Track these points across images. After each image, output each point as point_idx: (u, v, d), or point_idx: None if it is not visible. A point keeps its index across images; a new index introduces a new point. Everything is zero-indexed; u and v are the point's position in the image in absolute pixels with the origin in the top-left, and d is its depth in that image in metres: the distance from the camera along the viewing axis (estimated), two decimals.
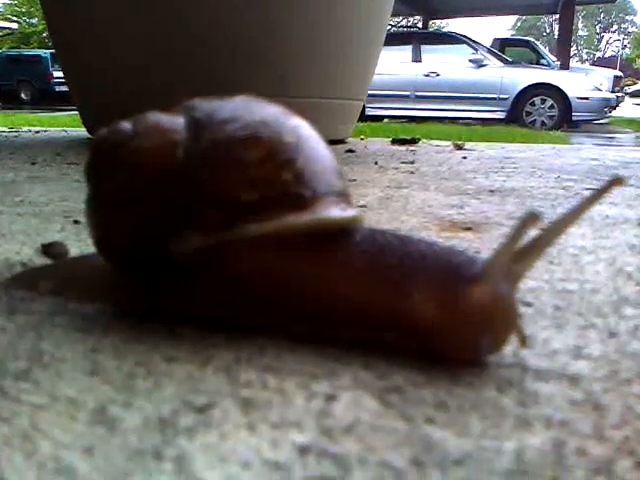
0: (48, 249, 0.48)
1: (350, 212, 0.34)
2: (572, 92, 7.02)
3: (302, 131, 0.35)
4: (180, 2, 1.40)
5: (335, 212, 0.33)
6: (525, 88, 7.19)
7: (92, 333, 0.33)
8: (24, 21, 16.70)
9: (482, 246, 0.54)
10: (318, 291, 0.31)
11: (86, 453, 0.21)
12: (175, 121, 0.35)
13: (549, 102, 7.14)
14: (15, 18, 17.14)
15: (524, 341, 0.29)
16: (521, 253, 0.30)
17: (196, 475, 0.20)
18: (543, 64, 8.71)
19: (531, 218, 0.27)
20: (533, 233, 0.29)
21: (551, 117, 7.14)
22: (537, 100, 7.20)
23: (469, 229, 0.62)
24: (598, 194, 0.29)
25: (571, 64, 10.21)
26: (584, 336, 0.34)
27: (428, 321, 0.29)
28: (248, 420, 0.24)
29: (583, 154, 1.60)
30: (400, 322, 0.30)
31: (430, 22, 13.26)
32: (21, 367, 0.28)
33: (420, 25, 13.33)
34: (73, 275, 0.42)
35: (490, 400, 0.26)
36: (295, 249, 0.32)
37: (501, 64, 7.49)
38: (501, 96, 7.27)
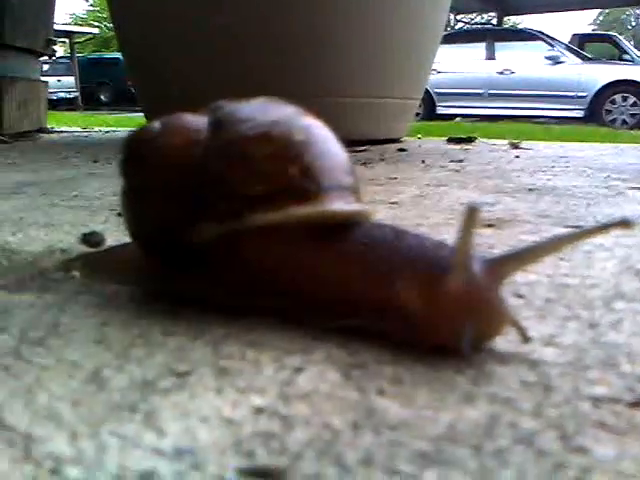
0: (87, 238, 0.52)
1: (355, 206, 0.36)
2: None
3: (313, 130, 0.38)
4: (239, 6, 1.45)
5: (339, 206, 0.35)
6: (605, 85, 6.94)
7: (106, 309, 0.37)
8: (104, 26, 17.47)
9: (498, 242, 0.55)
10: (317, 280, 0.34)
11: (74, 404, 0.25)
12: (199, 121, 0.39)
13: (631, 99, 6.85)
14: (97, 23, 17.96)
15: (525, 337, 0.30)
16: (514, 256, 0.32)
17: (158, 425, 0.24)
18: (627, 60, 8.36)
19: (471, 211, 0.28)
20: (532, 241, 0.30)
21: (633, 115, 6.85)
22: (618, 98, 6.93)
23: (491, 226, 0.63)
24: (601, 229, 0.30)
25: None
26: (563, 326, 0.35)
27: (411, 310, 0.31)
28: (218, 385, 0.27)
29: None
30: (387, 311, 0.32)
31: (505, 19, 12.96)
32: (39, 335, 0.33)
33: (494, 22, 13.05)
34: (107, 260, 0.47)
35: (445, 378, 0.28)
36: (299, 239, 0.34)
37: (579, 61, 7.25)
38: (579, 94, 7.04)
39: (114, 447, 0.22)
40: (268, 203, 0.34)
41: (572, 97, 7.08)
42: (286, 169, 0.35)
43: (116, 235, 0.56)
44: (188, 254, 0.37)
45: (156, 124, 0.39)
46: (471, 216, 0.28)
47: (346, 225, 0.35)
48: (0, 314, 0.36)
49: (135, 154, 0.39)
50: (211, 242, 0.35)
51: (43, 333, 0.33)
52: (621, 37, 9.91)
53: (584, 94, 7.04)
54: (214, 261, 0.36)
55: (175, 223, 0.37)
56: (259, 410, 0.25)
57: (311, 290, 0.34)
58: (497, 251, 0.51)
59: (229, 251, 0.36)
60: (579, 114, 7.07)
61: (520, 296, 0.40)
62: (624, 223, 0.30)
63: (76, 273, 0.44)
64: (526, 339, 0.30)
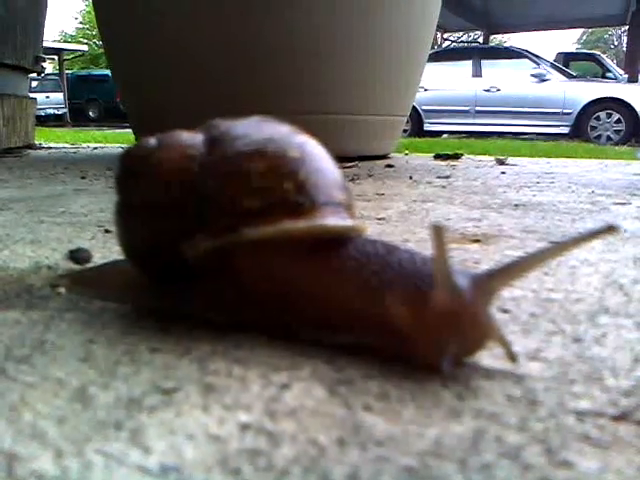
0: (74, 255, 0.52)
1: (348, 222, 0.37)
2: None
3: (307, 147, 0.38)
4: (229, 25, 1.46)
5: (332, 221, 0.36)
6: (589, 102, 7.03)
7: (93, 327, 0.36)
8: (94, 43, 17.51)
9: (484, 257, 0.56)
10: (310, 295, 0.34)
11: (59, 422, 0.25)
12: (195, 138, 0.39)
13: (615, 116, 6.95)
14: (86, 41, 18.00)
15: (512, 356, 0.30)
16: (501, 271, 0.32)
17: (144, 443, 0.23)
18: (610, 78, 8.49)
19: (436, 230, 0.29)
20: (519, 255, 0.31)
21: (617, 132, 6.95)
22: (602, 114, 7.02)
23: (477, 241, 0.63)
24: (589, 236, 0.31)
25: None
26: (547, 341, 0.35)
27: (399, 326, 0.32)
28: (205, 402, 0.27)
29: (630, 169, 1.57)
30: (377, 327, 0.32)
31: (491, 37, 13.13)
32: (24, 353, 0.32)
33: (481, 40, 13.22)
34: (94, 277, 0.47)
35: (431, 393, 0.28)
36: (293, 254, 0.35)
37: (564, 78, 7.35)
38: (565, 111, 7.14)
39: (99, 465, 0.22)
40: (263, 218, 0.34)
41: (557, 114, 7.17)
42: (281, 184, 0.35)
43: (103, 252, 0.56)
44: (182, 269, 0.37)
45: (152, 140, 0.39)
46: (438, 235, 0.29)
47: (339, 240, 0.35)
48: None
49: (131, 170, 0.40)
50: (205, 256, 0.36)
51: (29, 350, 0.33)
52: (604, 56, 10.07)
53: (569, 111, 7.14)
54: (208, 276, 0.36)
55: (170, 238, 0.37)
56: (245, 427, 0.25)
57: (303, 305, 0.34)
58: (483, 266, 0.51)
59: (223, 265, 0.36)
60: (565, 131, 7.16)
61: (506, 311, 0.40)
62: (611, 229, 0.30)
63: (62, 290, 0.44)
64: (513, 359, 0.30)
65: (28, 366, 0.31)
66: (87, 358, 0.32)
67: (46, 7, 2.26)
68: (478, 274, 0.32)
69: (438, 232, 0.29)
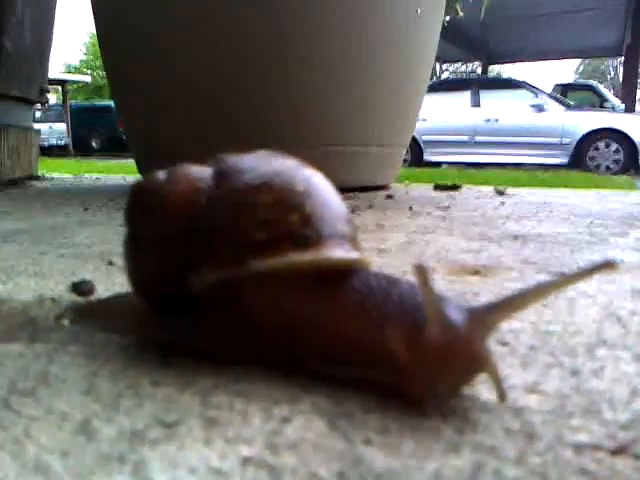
0: (77, 287, 0.53)
1: (353, 254, 0.37)
2: (638, 136, 6.88)
3: (313, 181, 0.39)
4: (229, 58, 1.49)
5: (337, 253, 0.36)
6: (588, 132, 7.11)
7: (96, 360, 0.37)
8: (97, 74, 17.77)
9: (484, 290, 0.56)
10: (314, 327, 0.34)
11: (63, 456, 0.25)
12: (203, 172, 0.40)
13: (614, 146, 7.02)
14: (89, 71, 18.27)
15: (502, 396, 0.30)
16: (498, 305, 0.32)
17: (147, 476, 0.24)
18: (607, 107, 8.60)
19: (420, 269, 0.29)
20: (517, 288, 0.31)
21: (616, 161, 7.01)
22: (601, 144, 7.09)
23: (477, 273, 0.64)
24: (588, 272, 0.31)
25: (638, 107, 10.00)
26: (546, 374, 0.35)
27: (398, 359, 0.32)
28: (207, 435, 0.27)
29: (629, 199, 1.58)
30: (378, 359, 0.33)
31: (490, 67, 13.30)
32: (28, 386, 0.33)
33: (479, 70, 13.40)
34: (98, 310, 0.47)
35: (431, 427, 0.29)
36: (298, 286, 0.35)
37: (563, 108, 7.44)
38: (563, 141, 7.21)
39: None
40: (269, 250, 0.35)
41: (556, 144, 7.24)
42: (287, 217, 0.36)
43: (106, 284, 0.56)
44: (188, 301, 0.37)
45: (161, 174, 0.40)
46: (421, 275, 0.29)
47: (344, 273, 0.35)
48: None
49: (140, 203, 0.40)
50: (211, 288, 0.36)
51: (32, 383, 0.33)
52: (601, 86, 10.20)
53: (568, 141, 7.21)
54: (213, 308, 0.37)
55: (177, 270, 0.37)
56: (247, 460, 0.25)
57: (309, 336, 0.34)
58: (483, 299, 0.52)
59: (229, 298, 0.36)
60: (564, 161, 7.22)
61: (504, 343, 0.41)
62: (609, 264, 0.30)
63: (66, 322, 0.44)
64: (502, 397, 0.30)
65: (32, 399, 0.31)
66: (90, 391, 0.32)
67: (52, 41, 2.30)
68: (473, 308, 0.32)
69: (422, 273, 0.29)
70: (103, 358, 0.37)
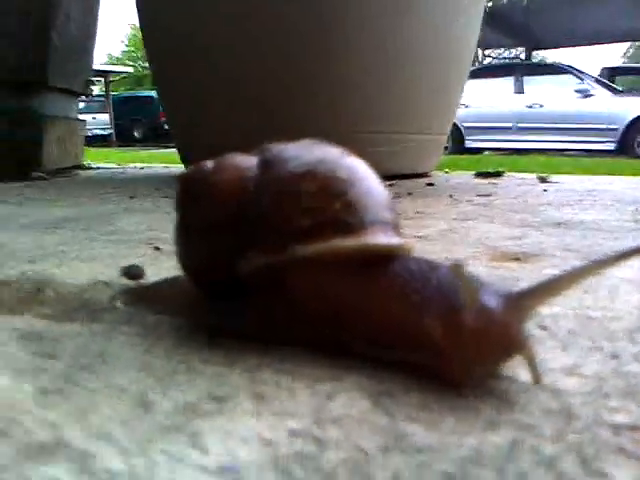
0: (127, 271, 0.55)
1: (395, 240, 0.38)
2: None
3: (356, 169, 0.40)
4: (272, 54, 1.50)
5: (381, 239, 0.37)
6: (636, 118, 6.90)
7: (148, 339, 0.39)
8: (139, 65, 18.06)
9: (524, 276, 0.57)
10: (358, 311, 0.36)
11: (122, 424, 0.27)
12: (249, 161, 0.41)
13: None
14: (131, 63, 18.58)
15: (537, 378, 0.30)
16: (534, 289, 0.33)
17: (203, 445, 0.25)
18: None
19: (457, 266, 0.30)
20: (554, 274, 0.32)
21: None
22: None
23: (517, 259, 0.64)
24: (621, 257, 0.31)
25: None
26: (585, 357, 0.36)
27: (436, 342, 0.33)
28: (256, 409, 0.29)
29: None
30: (419, 342, 0.34)
31: (533, 53, 13.01)
32: (87, 363, 0.35)
33: (522, 56, 13.13)
34: (149, 293, 0.50)
35: (470, 406, 0.29)
36: (342, 272, 0.36)
37: (610, 93, 7.24)
38: (610, 126, 7.02)
39: (163, 464, 0.24)
40: (313, 236, 0.36)
41: (602, 130, 7.06)
42: (331, 204, 0.37)
43: (153, 268, 0.59)
44: (236, 286, 0.39)
45: (209, 163, 0.42)
46: (458, 272, 0.30)
47: (387, 258, 0.36)
48: (51, 342, 0.39)
49: (190, 190, 0.42)
50: (258, 273, 0.38)
51: (91, 360, 0.35)
52: None
53: (615, 127, 7.02)
54: (260, 293, 0.38)
55: (225, 255, 0.39)
56: (294, 433, 0.27)
57: (353, 321, 0.36)
58: (523, 285, 0.52)
59: (275, 283, 0.37)
60: (610, 147, 7.04)
61: (544, 328, 0.41)
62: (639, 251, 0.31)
63: (119, 304, 0.47)
64: (536, 380, 0.30)
65: (92, 374, 0.33)
66: (145, 367, 0.34)
67: (96, 34, 2.35)
68: (510, 293, 0.33)
69: (458, 270, 0.31)
70: (155, 338, 0.39)
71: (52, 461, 0.24)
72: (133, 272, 0.55)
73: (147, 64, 1.92)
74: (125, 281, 0.54)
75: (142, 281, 0.54)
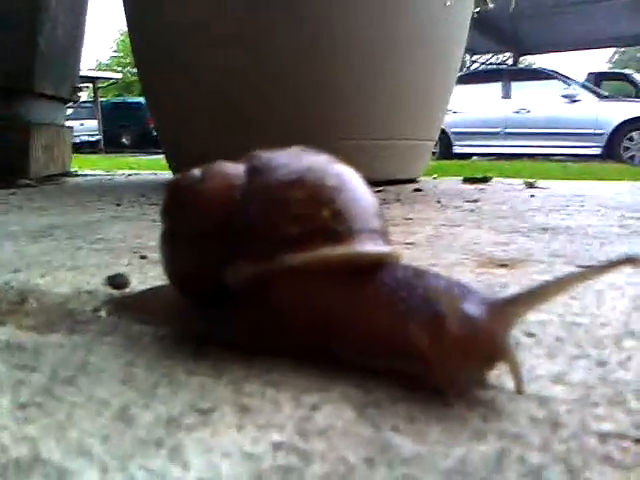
0: (112, 280, 0.55)
1: (384, 248, 0.38)
2: None
3: (345, 176, 0.39)
4: (259, 59, 1.50)
5: (369, 247, 0.37)
6: (622, 122, 6.96)
7: (132, 350, 0.38)
8: (127, 71, 18.02)
9: (511, 282, 0.57)
10: (347, 319, 0.35)
11: (103, 440, 0.27)
12: (237, 169, 0.41)
13: None
14: (120, 69, 18.54)
15: (519, 388, 0.30)
16: (520, 296, 0.33)
17: (183, 460, 0.25)
18: None
19: None
20: (538, 282, 0.32)
21: None
22: (635, 135, 6.94)
23: (505, 266, 0.64)
24: (609, 267, 0.31)
25: None
26: (572, 365, 0.36)
27: (423, 351, 0.32)
28: (240, 422, 0.28)
29: None
30: (405, 351, 0.33)
31: (521, 58, 13.10)
32: (69, 375, 0.34)
33: (510, 62, 13.22)
34: (133, 302, 0.49)
35: (456, 416, 0.29)
36: (330, 280, 0.36)
37: (596, 98, 7.30)
38: (596, 131, 7.08)
39: None
40: (301, 244, 0.36)
41: (589, 135, 7.11)
42: (319, 212, 0.36)
43: (140, 277, 0.58)
44: (223, 295, 0.38)
45: (196, 171, 0.41)
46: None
47: (375, 266, 0.36)
48: (32, 354, 0.38)
49: (177, 198, 0.42)
50: (245, 282, 0.37)
51: (73, 372, 0.35)
52: (636, 75, 9.96)
53: (601, 131, 7.08)
54: (247, 302, 0.38)
55: (212, 264, 0.38)
56: (278, 445, 0.26)
57: (341, 330, 0.35)
58: (511, 291, 0.52)
59: (263, 292, 0.37)
60: (596, 152, 7.10)
61: (531, 335, 0.41)
62: (631, 260, 0.31)
63: (103, 314, 0.46)
64: (519, 390, 0.30)
65: (73, 387, 0.33)
66: (128, 380, 0.34)
67: (83, 40, 2.34)
68: (494, 300, 0.33)
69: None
70: (139, 349, 0.39)
71: (28, 478, 0.23)
72: (118, 281, 0.55)
73: (135, 70, 1.91)
74: (110, 290, 0.53)
75: (127, 290, 0.54)
